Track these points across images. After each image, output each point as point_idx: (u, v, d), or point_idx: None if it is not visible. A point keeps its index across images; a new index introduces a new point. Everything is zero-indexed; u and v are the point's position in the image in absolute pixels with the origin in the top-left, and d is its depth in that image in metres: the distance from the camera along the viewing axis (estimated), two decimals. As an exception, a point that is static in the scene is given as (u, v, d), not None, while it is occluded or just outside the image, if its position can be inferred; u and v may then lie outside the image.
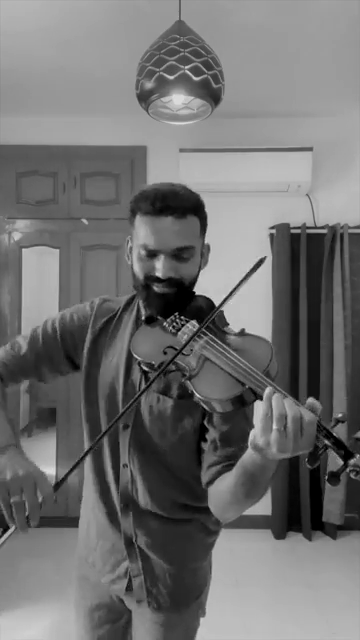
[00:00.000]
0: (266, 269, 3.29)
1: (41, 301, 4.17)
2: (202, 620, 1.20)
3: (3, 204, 3.35)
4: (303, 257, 3.20)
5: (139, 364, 1.02)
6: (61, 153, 3.33)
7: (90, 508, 1.20)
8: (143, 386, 1.05)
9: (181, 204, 0.97)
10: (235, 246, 3.25)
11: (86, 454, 0.88)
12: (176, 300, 1.00)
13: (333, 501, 3.14)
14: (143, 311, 1.10)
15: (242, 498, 0.91)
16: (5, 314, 3.39)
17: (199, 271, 1.06)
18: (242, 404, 0.83)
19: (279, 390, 0.78)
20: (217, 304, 0.94)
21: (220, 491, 0.95)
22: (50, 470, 3.35)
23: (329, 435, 0.74)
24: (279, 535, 3.21)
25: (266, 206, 3.31)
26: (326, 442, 0.74)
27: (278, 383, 0.81)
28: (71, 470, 0.85)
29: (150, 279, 1.00)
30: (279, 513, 3.21)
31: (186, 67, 1.68)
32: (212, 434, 1.00)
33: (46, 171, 3.35)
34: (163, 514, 1.09)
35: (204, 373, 0.87)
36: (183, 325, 0.96)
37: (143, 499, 1.08)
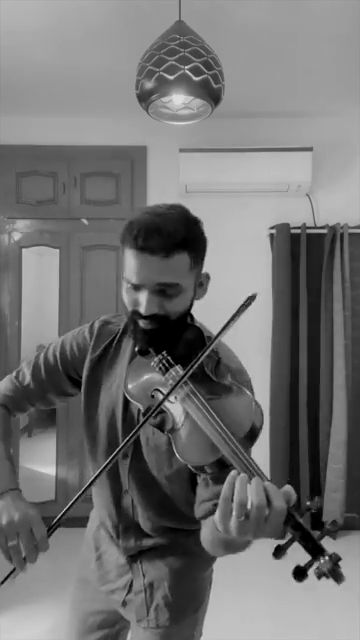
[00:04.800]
0: (266, 269, 3.29)
1: (41, 301, 4.16)
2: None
3: (3, 204, 3.35)
4: (303, 257, 3.20)
5: None
6: (61, 153, 3.33)
7: (97, 520, 1.20)
8: (140, 419, 1.00)
9: (164, 244, 0.89)
10: (235, 246, 3.26)
11: (80, 495, 0.83)
12: (162, 335, 0.94)
13: (333, 501, 3.14)
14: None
15: (222, 552, 0.89)
16: (5, 314, 3.39)
17: (191, 304, 1.00)
18: (221, 467, 0.79)
19: (250, 467, 0.73)
20: (213, 331, 0.91)
21: (204, 536, 0.93)
22: (50, 470, 3.35)
23: (297, 526, 0.68)
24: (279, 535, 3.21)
25: (266, 206, 3.31)
26: (294, 533, 0.67)
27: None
28: (63, 514, 0.84)
29: (135, 314, 0.95)
30: (279, 513, 3.21)
31: (186, 67, 1.67)
32: None
33: (46, 171, 3.34)
34: (164, 541, 1.09)
35: (185, 428, 0.84)
36: (169, 368, 0.92)
37: (144, 524, 1.08)
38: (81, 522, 1.37)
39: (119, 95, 2.90)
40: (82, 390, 1.14)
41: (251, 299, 0.84)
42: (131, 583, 1.12)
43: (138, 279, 0.92)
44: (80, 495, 0.83)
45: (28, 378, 1.16)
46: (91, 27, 2.30)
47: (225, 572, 2.75)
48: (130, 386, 0.98)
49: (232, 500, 0.68)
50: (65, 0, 2.10)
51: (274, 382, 3.17)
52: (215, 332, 0.88)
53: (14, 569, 0.88)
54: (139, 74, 1.78)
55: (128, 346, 1.10)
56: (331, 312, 3.20)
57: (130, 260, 0.93)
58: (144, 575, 1.10)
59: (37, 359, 1.18)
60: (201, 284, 1.01)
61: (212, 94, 1.78)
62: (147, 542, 1.09)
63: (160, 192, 3.27)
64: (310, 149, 3.08)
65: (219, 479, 0.88)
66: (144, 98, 1.81)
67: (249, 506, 0.67)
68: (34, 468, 3.44)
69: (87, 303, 3.35)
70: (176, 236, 0.90)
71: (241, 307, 0.84)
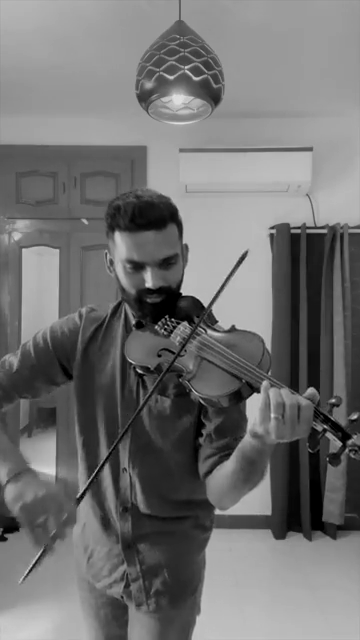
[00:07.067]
0: (266, 269, 3.29)
1: (41, 301, 4.17)
2: (202, 620, 1.20)
3: (3, 204, 3.35)
4: (303, 257, 3.20)
5: (134, 368, 1.03)
6: (61, 153, 3.33)
7: (84, 514, 1.20)
8: (140, 389, 1.07)
9: (160, 215, 0.98)
10: (235, 246, 3.24)
11: (102, 465, 0.88)
12: (167, 306, 1.02)
13: (333, 501, 3.14)
14: (132, 317, 1.11)
15: (240, 484, 0.93)
16: (5, 314, 3.39)
17: (184, 272, 1.08)
18: (240, 398, 0.85)
19: (274, 381, 0.81)
20: (205, 303, 0.98)
21: (218, 479, 0.98)
22: (50, 470, 3.35)
23: (326, 419, 0.78)
24: (279, 535, 3.21)
25: (266, 206, 3.31)
26: (324, 426, 0.78)
27: (277, 378, 0.83)
28: (90, 484, 0.86)
29: (142, 292, 1.01)
30: (279, 513, 3.21)
31: (186, 67, 1.67)
32: (208, 428, 1.02)
33: (46, 171, 3.35)
34: (161, 515, 1.10)
35: (202, 372, 0.89)
36: (175, 327, 0.99)
37: (142, 502, 1.09)
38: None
39: (119, 95, 2.90)
40: (75, 375, 1.14)
41: (245, 254, 0.93)
42: (127, 573, 1.12)
43: (141, 257, 0.98)
44: (106, 460, 0.86)
45: (16, 365, 1.14)
46: (91, 27, 2.30)
47: (225, 572, 2.76)
48: (133, 352, 1.01)
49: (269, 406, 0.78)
50: (65, 0, 2.11)
51: (274, 382, 3.17)
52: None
53: (43, 551, 0.84)
54: (139, 74, 1.78)
55: (119, 327, 1.14)
56: (331, 312, 3.20)
57: (127, 241, 0.98)
58: (140, 563, 1.11)
59: (24, 347, 1.17)
60: (183, 255, 1.10)
61: (212, 94, 1.78)
62: (143, 525, 1.10)
63: (160, 192, 3.28)
64: (310, 149, 3.08)
65: (223, 431, 0.98)
66: (144, 98, 1.81)
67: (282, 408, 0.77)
68: (34, 468, 3.44)
69: (87, 303, 3.33)
70: (165, 209, 1.00)
71: (238, 262, 0.93)
